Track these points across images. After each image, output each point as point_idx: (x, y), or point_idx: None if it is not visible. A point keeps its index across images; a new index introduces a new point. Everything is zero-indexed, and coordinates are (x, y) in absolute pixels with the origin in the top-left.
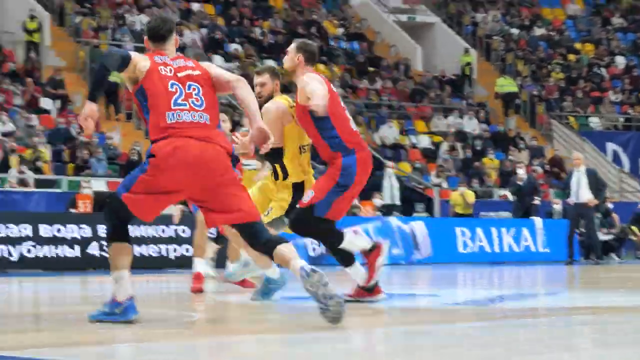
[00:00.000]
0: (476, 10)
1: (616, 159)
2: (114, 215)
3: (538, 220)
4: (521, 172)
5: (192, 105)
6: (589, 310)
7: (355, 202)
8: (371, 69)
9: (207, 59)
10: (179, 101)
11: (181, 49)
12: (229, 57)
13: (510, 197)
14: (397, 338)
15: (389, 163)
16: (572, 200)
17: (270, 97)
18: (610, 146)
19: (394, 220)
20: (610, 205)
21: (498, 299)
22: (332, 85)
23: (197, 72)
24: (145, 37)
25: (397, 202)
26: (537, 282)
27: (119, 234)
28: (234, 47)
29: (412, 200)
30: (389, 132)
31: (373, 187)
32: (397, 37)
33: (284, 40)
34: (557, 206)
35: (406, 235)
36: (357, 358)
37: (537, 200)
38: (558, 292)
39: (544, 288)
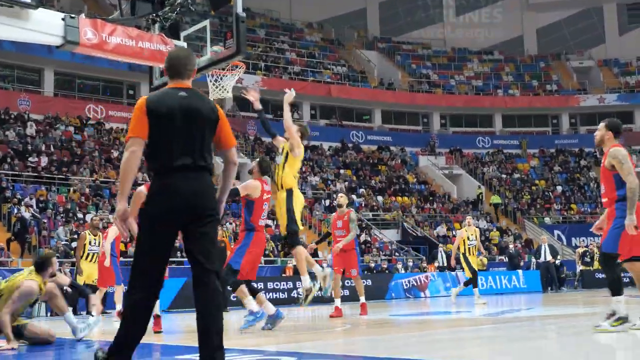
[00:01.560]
0: (483, 166)
1: (559, 238)
2: None
3: (520, 272)
4: (511, 247)
5: None
6: (551, 316)
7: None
8: (430, 198)
9: None
10: None
11: None
12: None
13: (505, 260)
14: (446, 333)
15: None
16: (541, 260)
17: None
18: (556, 232)
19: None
20: (558, 262)
21: (501, 312)
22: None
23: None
24: None
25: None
26: (521, 302)
27: None
28: None
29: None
30: (441, 229)
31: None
32: (443, 181)
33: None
34: (532, 264)
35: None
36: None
37: (521, 261)
38: (534, 307)
39: (525, 305)
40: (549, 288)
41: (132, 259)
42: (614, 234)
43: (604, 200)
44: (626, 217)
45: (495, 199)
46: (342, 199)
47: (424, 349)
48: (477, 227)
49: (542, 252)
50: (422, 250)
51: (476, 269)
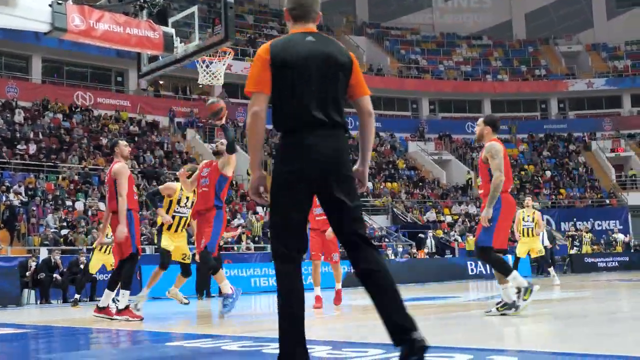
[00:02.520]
0: (472, 151)
1: (548, 223)
2: None
3: (509, 257)
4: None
5: None
6: (543, 301)
7: None
8: (420, 183)
9: None
10: None
11: None
12: None
13: None
14: (439, 319)
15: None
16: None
17: None
18: (545, 216)
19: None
20: (558, 247)
21: (490, 297)
22: None
23: None
24: None
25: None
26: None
27: None
28: None
29: (444, 249)
30: (430, 215)
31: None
32: (432, 167)
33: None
34: None
35: None
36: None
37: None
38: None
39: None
40: (541, 272)
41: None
42: (489, 228)
43: (480, 192)
44: (485, 209)
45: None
46: None
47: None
48: (536, 209)
49: (541, 237)
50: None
51: (522, 254)
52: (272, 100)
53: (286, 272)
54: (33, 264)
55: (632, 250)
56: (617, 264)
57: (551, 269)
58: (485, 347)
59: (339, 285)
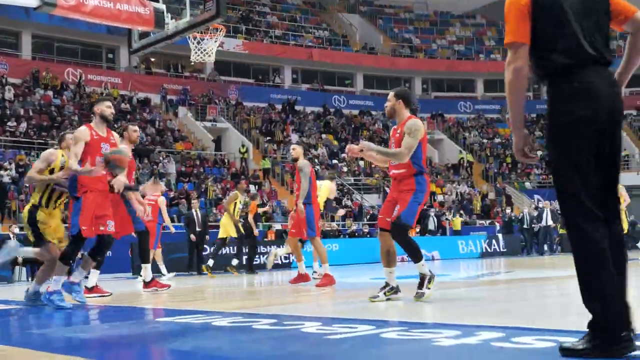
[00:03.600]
0: (465, 131)
1: (539, 203)
2: None
3: (500, 236)
4: (508, 212)
5: None
6: (530, 279)
7: None
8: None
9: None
10: None
11: None
12: None
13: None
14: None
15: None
16: (542, 224)
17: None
18: (536, 196)
19: None
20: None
21: (481, 275)
22: None
23: None
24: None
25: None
26: (501, 266)
27: None
28: None
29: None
30: None
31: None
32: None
33: None
34: (535, 227)
35: None
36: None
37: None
38: (513, 271)
39: (504, 269)
40: (529, 251)
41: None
42: (414, 207)
43: (400, 171)
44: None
45: (469, 156)
46: (294, 151)
47: (404, 313)
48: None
49: (544, 216)
50: None
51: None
52: (534, 44)
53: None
54: None
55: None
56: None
57: None
58: (473, 323)
59: (315, 265)
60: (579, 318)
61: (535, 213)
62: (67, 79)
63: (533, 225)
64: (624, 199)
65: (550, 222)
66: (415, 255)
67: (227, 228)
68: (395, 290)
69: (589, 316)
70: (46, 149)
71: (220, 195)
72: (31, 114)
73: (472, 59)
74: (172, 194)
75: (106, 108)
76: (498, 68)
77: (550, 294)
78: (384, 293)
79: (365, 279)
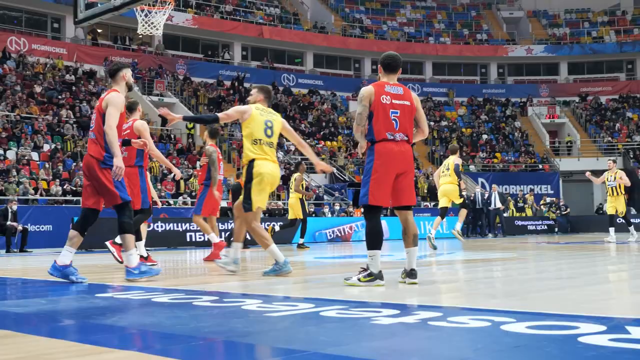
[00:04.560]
0: None
1: (483, 186)
2: None
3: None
4: (478, 191)
5: None
6: (471, 260)
7: None
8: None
9: None
10: None
11: None
12: None
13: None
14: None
15: None
16: (492, 207)
17: None
18: (480, 179)
19: None
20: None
21: (423, 256)
22: None
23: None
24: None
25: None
26: (444, 247)
27: None
28: None
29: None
30: None
31: None
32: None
33: None
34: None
35: None
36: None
37: None
38: (456, 252)
39: (447, 250)
40: (485, 233)
41: None
42: (364, 183)
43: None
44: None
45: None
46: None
47: (346, 293)
48: (620, 168)
49: (493, 199)
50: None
51: (613, 211)
52: None
53: None
54: None
55: (560, 215)
56: (545, 227)
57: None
58: (413, 303)
59: (213, 236)
60: (515, 299)
61: (486, 195)
62: (10, 47)
63: (489, 208)
64: (625, 182)
65: (498, 205)
66: (371, 240)
67: (295, 209)
68: (376, 276)
69: (523, 298)
70: None
71: (165, 172)
72: None
73: (421, 42)
74: None
75: (130, 75)
76: (447, 51)
77: (494, 275)
78: (359, 278)
79: (309, 257)
